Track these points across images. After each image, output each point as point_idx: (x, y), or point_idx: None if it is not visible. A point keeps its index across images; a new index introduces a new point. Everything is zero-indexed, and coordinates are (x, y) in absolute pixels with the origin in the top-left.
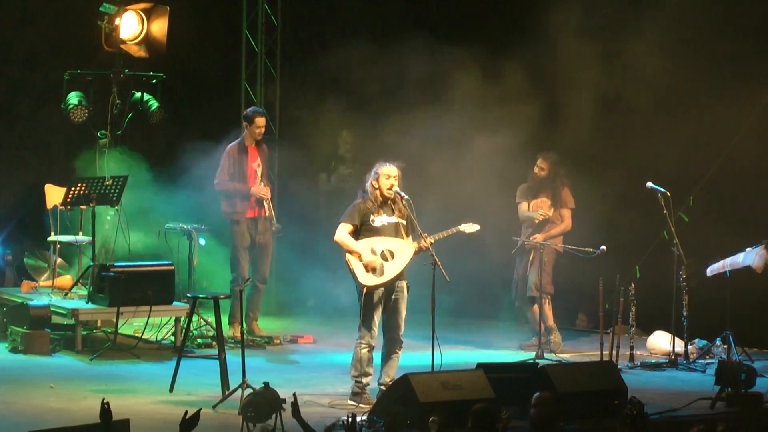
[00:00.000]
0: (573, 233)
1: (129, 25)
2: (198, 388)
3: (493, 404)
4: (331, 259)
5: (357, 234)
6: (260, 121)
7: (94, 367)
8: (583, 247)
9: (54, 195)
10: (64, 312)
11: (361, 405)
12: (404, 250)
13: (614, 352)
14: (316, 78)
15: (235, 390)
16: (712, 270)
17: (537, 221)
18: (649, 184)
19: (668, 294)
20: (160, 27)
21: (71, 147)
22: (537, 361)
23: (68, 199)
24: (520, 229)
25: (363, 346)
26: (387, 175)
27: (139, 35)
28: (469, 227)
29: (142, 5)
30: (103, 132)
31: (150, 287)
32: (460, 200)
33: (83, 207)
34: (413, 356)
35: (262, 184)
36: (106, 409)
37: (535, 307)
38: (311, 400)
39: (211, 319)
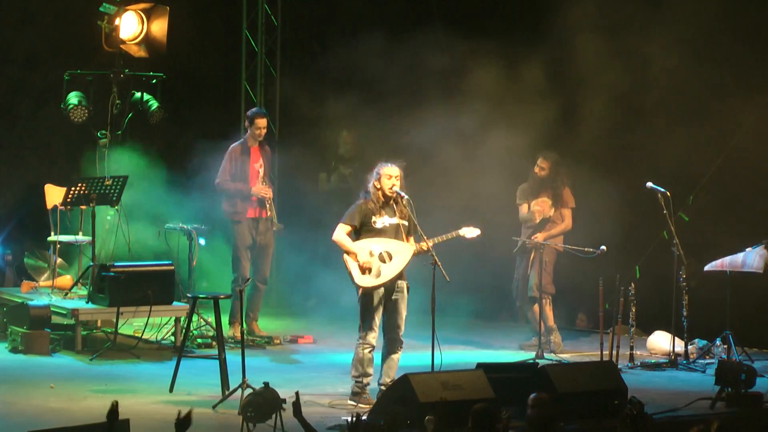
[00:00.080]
0: (573, 233)
1: (129, 25)
2: (198, 388)
3: (493, 404)
4: (331, 259)
5: (358, 235)
6: (260, 122)
7: (94, 367)
8: (583, 247)
9: (54, 195)
10: (64, 312)
11: (361, 405)
12: (403, 252)
13: (614, 352)
14: (316, 78)
15: (235, 390)
16: (710, 266)
17: (536, 221)
18: (649, 184)
19: (668, 294)
20: (160, 27)
21: (71, 147)
22: (537, 361)
23: (68, 199)
24: (521, 229)
25: (364, 346)
26: (388, 175)
27: (139, 35)
28: (470, 232)
29: (142, 5)
30: (103, 132)
31: (150, 287)
32: (467, 200)
33: (83, 207)
34: (413, 356)
35: (264, 184)
36: (113, 411)
37: (536, 307)
38: (311, 400)
39: (211, 319)
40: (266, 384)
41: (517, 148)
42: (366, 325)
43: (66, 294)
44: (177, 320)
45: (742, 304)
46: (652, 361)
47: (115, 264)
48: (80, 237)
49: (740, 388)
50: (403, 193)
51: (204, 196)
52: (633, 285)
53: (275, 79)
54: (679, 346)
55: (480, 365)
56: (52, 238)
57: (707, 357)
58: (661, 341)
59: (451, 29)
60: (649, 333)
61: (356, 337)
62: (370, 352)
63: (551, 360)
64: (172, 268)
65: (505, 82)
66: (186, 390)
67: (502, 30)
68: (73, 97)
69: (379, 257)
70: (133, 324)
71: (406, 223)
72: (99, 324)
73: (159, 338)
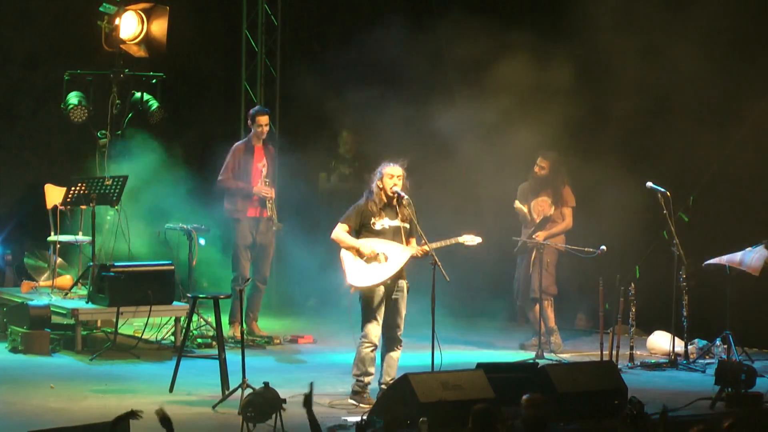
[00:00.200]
0: (574, 233)
1: (129, 25)
2: (198, 388)
3: (493, 404)
4: (331, 259)
5: (357, 235)
6: (261, 119)
7: (94, 367)
8: (583, 247)
9: (54, 195)
10: (64, 312)
11: (361, 405)
12: (399, 255)
13: (614, 352)
14: (316, 78)
15: (235, 390)
16: (709, 263)
17: (536, 219)
18: (649, 184)
19: (668, 294)
20: (160, 27)
21: (71, 147)
22: (537, 361)
23: (68, 199)
24: (521, 229)
25: (366, 345)
26: (390, 175)
27: (139, 35)
28: (470, 239)
29: (142, 5)
30: (103, 132)
31: (150, 287)
32: (469, 200)
33: (83, 207)
34: (413, 356)
35: (266, 184)
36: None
37: (537, 307)
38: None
39: (211, 319)
40: (266, 384)
41: (526, 146)
42: (368, 325)
43: (66, 294)
44: (177, 320)
45: (742, 304)
46: (652, 361)
47: (115, 264)
48: (80, 237)
49: (740, 388)
50: (403, 194)
51: (204, 196)
52: (633, 285)
53: (275, 79)
54: (679, 346)
55: (480, 365)
56: (52, 238)
57: (707, 357)
58: (661, 341)
59: (450, 28)
60: (649, 333)
61: (357, 336)
62: (372, 350)
63: (551, 360)
64: (172, 268)
65: (505, 84)
66: (186, 390)
67: (508, 25)
68: (73, 97)
69: (376, 258)
70: (133, 324)
71: (408, 225)
72: (99, 324)
73: (159, 338)
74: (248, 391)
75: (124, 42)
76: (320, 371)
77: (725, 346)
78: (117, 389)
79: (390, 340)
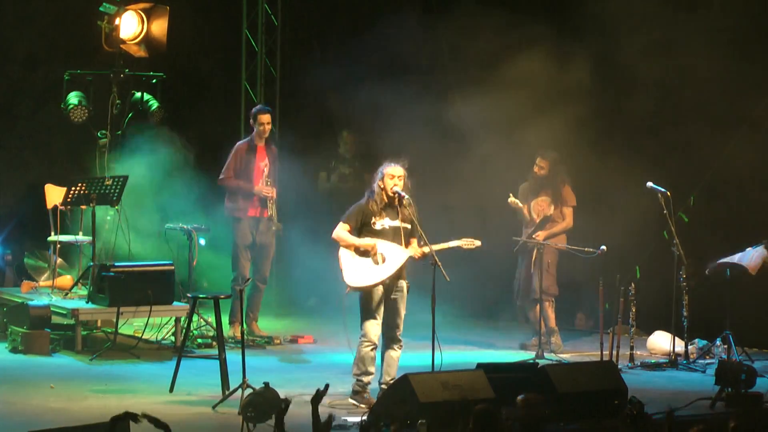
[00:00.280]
0: (574, 233)
1: (129, 25)
2: (198, 388)
3: (493, 404)
4: (331, 259)
5: (357, 235)
6: (263, 118)
7: (94, 367)
8: (584, 247)
9: (54, 195)
10: (64, 312)
11: (361, 405)
12: (397, 256)
13: (614, 352)
14: (316, 78)
15: (235, 390)
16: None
17: (536, 219)
18: (650, 184)
19: (668, 294)
20: (160, 27)
21: (71, 147)
22: (537, 361)
23: (68, 199)
24: (521, 229)
25: (366, 344)
26: (391, 175)
27: (139, 35)
28: (469, 243)
29: (142, 5)
30: (103, 132)
31: (150, 287)
32: (472, 200)
33: (83, 207)
34: (413, 356)
35: (268, 183)
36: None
37: (537, 307)
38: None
39: (211, 319)
40: (266, 384)
41: (531, 144)
42: (367, 324)
43: (66, 294)
44: (177, 320)
45: (742, 304)
46: (652, 361)
47: (115, 264)
48: (80, 237)
49: (740, 388)
50: (403, 194)
51: (205, 196)
52: (633, 285)
53: (275, 79)
54: (679, 346)
55: (480, 365)
56: (52, 238)
57: (707, 357)
58: (661, 341)
59: (453, 25)
60: (649, 333)
61: (357, 336)
62: (372, 350)
63: (551, 360)
64: (172, 268)
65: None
66: (186, 390)
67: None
68: (73, 97)
69: (374, 259)
70: (133, 324)
71: (408, 226)
72: (99, 324)
73: (159, 338)
74: (248, 391)
75: (124, 42)
76: (320, 371)
77: (725, 346)
78: (117, 389)
79: (390, 340)
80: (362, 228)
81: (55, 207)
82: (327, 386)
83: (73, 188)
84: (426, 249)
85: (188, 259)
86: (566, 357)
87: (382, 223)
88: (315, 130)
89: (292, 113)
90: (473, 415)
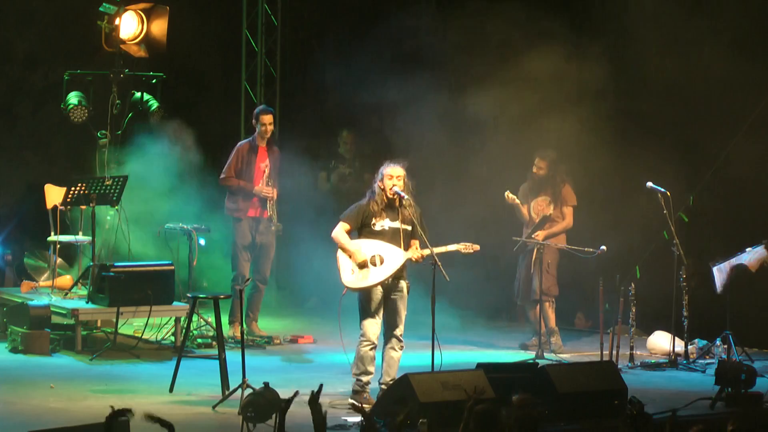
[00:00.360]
0: (574, 233)
1: (129, 25)
2: (198, 388)
3: (493, 404)
4: (331, 259)
5: (358, 235)
6: (265, 118)
7: (94, 367)
8: (583, 247)
9: (54, 195)
10: (64, 312)
11: (361, 405)
12: (395, 257)
13: (614, 352)
14: (316, 78)
15: (235, 390)
16: (720, 276)
17: (536, 219)
18: (649, 184)
19: (668, 294)
20: (159, 27)
21: (71, 147)
22: (537, 361)
23: (68, 199)
24: (521, 228)
25: (365, 344)
26: (390, 176)
27: (139, 35)
28: (468, 248)
29: (142, 5)
30: (103, 132)
31: (150, 287)
32: (472, 200)
33: (83, 207)
34: (413, 356)
35: (270, 184)
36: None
37: (537, 307)
38: None
39: (211, 319)
40: (266, 384)
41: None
42: (366, 324)
43: (66, 294)
44: (177, 320)
45: (742, 304)
46: (652, 361)
47: (115, 264)
48: (80, 237)
49: (740, 388)
50: (403, 194)
51: (203, 196)
52: (633, 285)
53: (275, 79)
54: (679, 346)
55: (480, 365)
56: (52, 238)
57: (707, 357)
58: (661, 341)
59: (453, 24)
60: (649, 333)
61: (351, 339)
62: (371, 349)
63: (551, 360)
64: (172, 268)
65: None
66: (186, 390)
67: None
68: (73, 97)
69: (371, 260)
70: (133, 324)
71: (409, 228)
72: (99, 324)
73: (159, 338)
74: (248, 391)
75: (124, 42)
76: (320, 371)
77: (725, 346)
78: (117, 389)
79: (391, 341)
80: (362, 228)
81: (55, 207)
82: (321, 387)
83: (73, 188)
84: (426, 252)
85: (188, 259)
86: (566, 357)
87: (381, 224)
88: (315, 130)
89: (292, 113)
90: (473, 416)
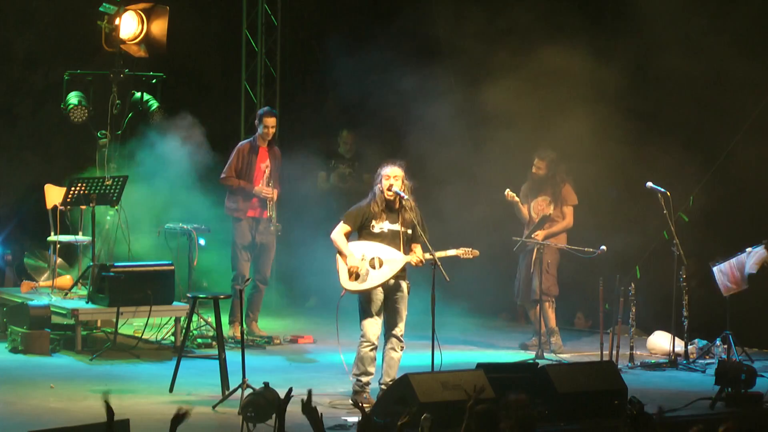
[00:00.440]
0: (574, 232)
1: (129, 25)
2: (198, 388)
3: (493, 404)
4: (331, 259)
5: (357, 237)
6: (268, 121)
7: (94, 367)
8: (583, 247)
9: (54, 195)
10: (64, 312)
11: (361, 405)
12: (394, 260)
13: (614, 352)
14: (316, 78)
15: (235, 390)
16: (722, 277)
17: (536, 219)
18: (649, 184)
19: (668, 294)
20: (160, 27)
21: (71, 147)
22: (537, 361)
23: (68, 199)
24: (521, 228)
25: (365, 344)
26: (388, 176)
27: (139, 35)
28: (467, 253)
29: (142, 5)
30: (103, 132)
31: (150, 287)
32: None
33: (83, 207)
34: (413, 356)
35: (270, 184)
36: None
37: (537, 307)
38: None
39: (211, 319)
40: (266, 384)
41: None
42: (367, 324)
43: (66, 294)
44: (177, 320)
45: (742, 304)
46: (652, 361)
47: (115, 264)
48: (80, 237)
49: (740, 388)
50: (403, 194)
51: (204, 196)
52: (633, 285)
53: (275, 79)
54: (679, 346)
55: (480, 365)
56: (52, 238)
57: (707, 357)
58: (661, 341)
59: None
60: (649, 333)
61: (356, 337)
62: (371, 350)
63: (551, 360)
64: (172, 268)
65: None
66: (186, 390)
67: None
68: (73, 97)
69: (370, 262)
70: (133, 324)
71: (409, 231)
72: (99, 324)
73: (159, 338)
74: (248, 391)
75: (124, 42)
76: (320, 371)
77: (725, 346)
78: (117, 389)
79: (391, 341)
80: (361, 230)
81: (55, 207)
82: (310, 392)
83: (73, 188)
84: (428, 256)
85: (188, 259)
86: (566, 357)
87: (380, 226)
88: (315, 130)
89: (292, 113)
90: (474, 416)
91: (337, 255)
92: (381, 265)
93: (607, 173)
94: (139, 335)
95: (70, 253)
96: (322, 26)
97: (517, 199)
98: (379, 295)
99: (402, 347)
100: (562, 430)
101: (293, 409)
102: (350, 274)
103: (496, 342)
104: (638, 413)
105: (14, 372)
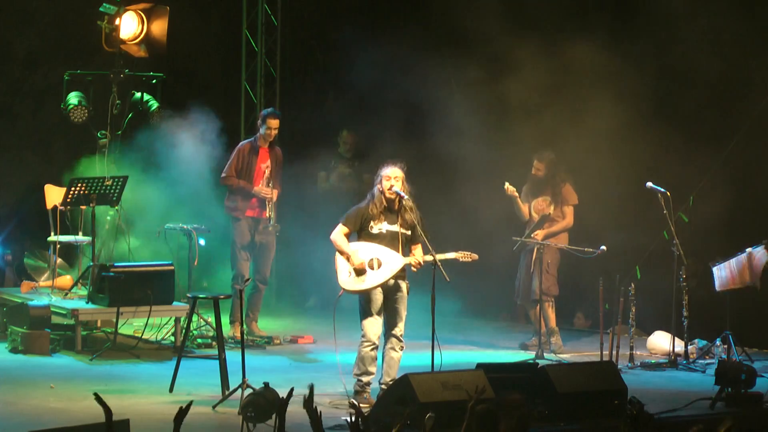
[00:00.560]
0: (575, 232)
1: (129, 25)
2: (198, 388)
3: (494, 404)
4: (330, 259)
5: (357, 238)
6: (272, 122)
7: (94, 367)
8: (584, 247)
9: (54, 195)
10: (64, 312)
11: (362, 405)
12: (393, 261)
13: (614, 352)
14: (316, 78)
15: (235, 390)
16: (720, 280)
17: (536, 220)
18: (649, 184)
19: (668, 294)
20: (160, 27)
21: (71, 147)
22: (537, 361)
23: (68, 199)
24: (521, 228)
25: (366, 344)
26: (387, 177)
27: (139, 35)
28: (466, 256)
29: (142, 5)
30: (103, 132)
31: (150, 287)
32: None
33: (83, 207)
34: (413, 356)
35: (270, 185)
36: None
37: (537, 307)
38: None
39: (211, 319)
40: (266, 384)
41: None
42: (367, 324)
43: (66, 294)
44: (177, 320)
45: (742, 304)
46: (652, 361)
47: (115, 264)
48: (80, 237)
49: (740, 388)
50: (402, 194)
51: (203, 196)
52: (633, 285)
53: (275, 79)
54: (679, 346)
55: (480, 365)
56: (52, 238)
57: (707, 357)
58: (661, 341)
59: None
60: (649, 333)
61: (356, 337)
62: (372, 350)
63: (551, 360)
64: (172, 268)
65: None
66: (186, 390)
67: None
68: (73, 97)
69: (369, 263)
70: (133, 324)
71: (409, 232)
72: (99, 324)
73: (159, 338)
74: (248, 391)
75: (124, 42)
76: (320, 371)
77: (725, 346)
78: (117, 389)
79: (391, 341)
80: (360, 231)
81: (55, 207)
82: (312, 387)
83: (73, 188)
84: (428, 258)
85: (188, 259)
86: (566, 357)
87: (379, 227)
88: (314, 129)
89: (292, 113)
90: (474, 416)
91: (336, 255)
92: (380, 266)
93: (610, 171)
94: (139, 335)
95: (70, 253)
96: (322, 26)
97: (516, 193)
98: (378, 295)
99: (402, 347)
100: (562, 430)
101: (293, 409)
102: (357, 272)
103: (496, 342)
104: (638, 413)
105: (14, 372)
